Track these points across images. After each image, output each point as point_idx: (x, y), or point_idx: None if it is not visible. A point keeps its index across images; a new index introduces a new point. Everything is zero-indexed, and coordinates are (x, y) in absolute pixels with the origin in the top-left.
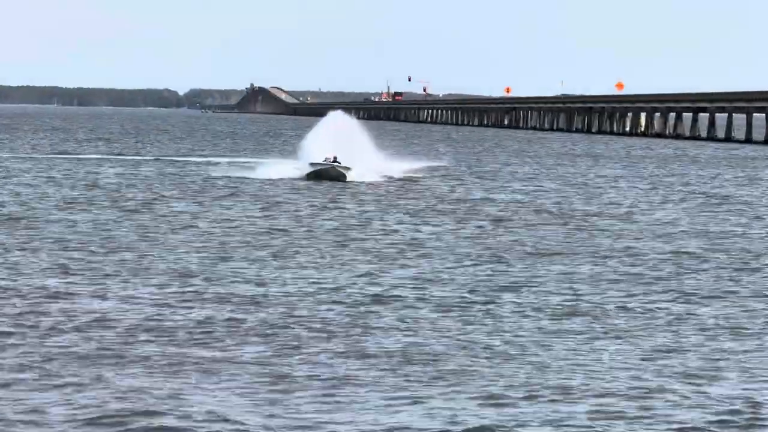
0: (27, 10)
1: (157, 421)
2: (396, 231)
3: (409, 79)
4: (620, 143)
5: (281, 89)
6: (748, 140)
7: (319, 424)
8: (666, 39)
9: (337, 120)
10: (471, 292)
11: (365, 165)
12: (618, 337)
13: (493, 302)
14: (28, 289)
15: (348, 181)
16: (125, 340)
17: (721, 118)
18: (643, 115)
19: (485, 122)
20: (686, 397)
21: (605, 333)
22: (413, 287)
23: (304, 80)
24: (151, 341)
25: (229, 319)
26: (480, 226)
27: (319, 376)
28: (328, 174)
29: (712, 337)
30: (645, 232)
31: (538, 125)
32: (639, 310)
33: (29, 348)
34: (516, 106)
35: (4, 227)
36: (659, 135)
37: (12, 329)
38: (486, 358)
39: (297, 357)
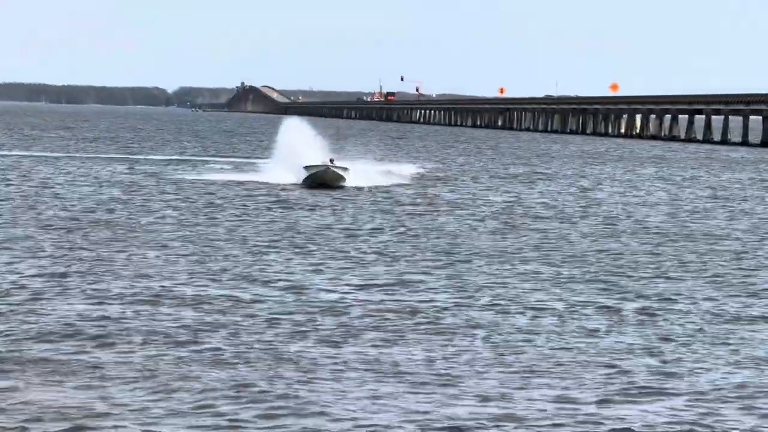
0: (15, 7)
1: None
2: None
3: (402, 79)
4: (611, 144)
5: (272, 88)
6: (744, 143)
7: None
8: (662, 40)
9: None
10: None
11: (363, 168)
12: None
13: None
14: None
15: (346, 185)
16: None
17: (717, 120)
18: (638, 117)
19: (478, 123)
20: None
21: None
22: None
23: (295, 79)
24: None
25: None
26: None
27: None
28: (324, 177)
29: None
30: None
31: (531, 126)
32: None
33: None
34: (510, 106)
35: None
36: (654, 137)
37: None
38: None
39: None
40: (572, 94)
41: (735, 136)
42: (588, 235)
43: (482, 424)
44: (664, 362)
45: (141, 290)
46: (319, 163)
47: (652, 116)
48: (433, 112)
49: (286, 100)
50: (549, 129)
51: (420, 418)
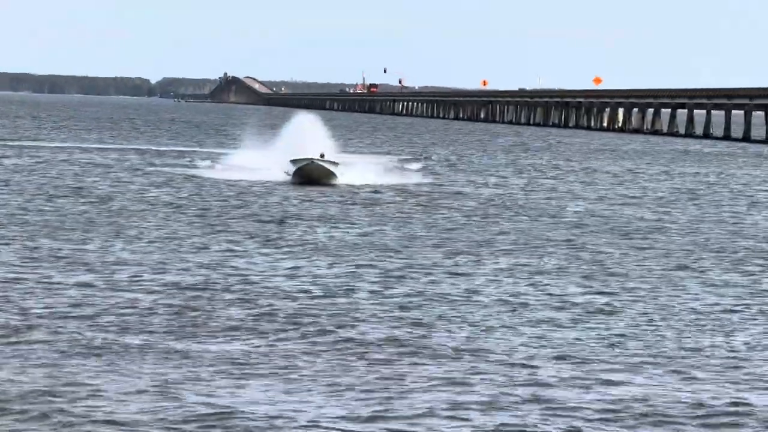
0: None
1: None
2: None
3: (385, 71)
4: (593, 138)
5: (255, 79)
6: (727, 137)
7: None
8: (646, 34)
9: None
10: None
11: (358, 164)
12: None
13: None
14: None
15: (336, 182)
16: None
17: (699, 114)
18: (620, 111)
19: (461, 115)
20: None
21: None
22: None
23: (278, 71)
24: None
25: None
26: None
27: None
28: (310, 172)
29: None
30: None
31: (514, 119)
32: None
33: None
34: (492, 99)
35: None
36: (637, 131)
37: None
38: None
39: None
40: (555, 87)
41: (717, 130)
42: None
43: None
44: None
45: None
46: (304, 156)
47: (635, 110)
48: (415, 104)
49: (269, 92)
50: (531, 122)
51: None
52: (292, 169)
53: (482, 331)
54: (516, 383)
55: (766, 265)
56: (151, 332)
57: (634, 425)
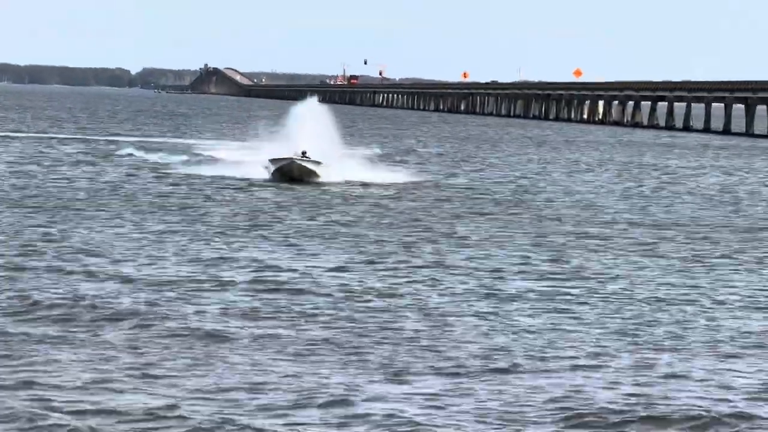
0: None
1: None
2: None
3: (366, 63)
4: (570, 130)
5: (236, 70)
6: (707, 129)
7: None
8: (626, 27)
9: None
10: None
11: (344, 161)
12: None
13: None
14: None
15: (320, 180)
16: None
17: (679, 107)
18: (600, 103)
19: (441, 107)
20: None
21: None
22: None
23: (258, 62)
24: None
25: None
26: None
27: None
28: (291, 171)
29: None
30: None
31: (494, 111)
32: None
33: None
34: (473, 91)
35: None
36: (617, 123)
37: None
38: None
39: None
40: (536, 79)
41: (697, 123)
42: None
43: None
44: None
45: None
46: (285, 156)
47: (615, 102)
48: (396, 95)
49: (250, 83)
50: (512, 114)
51: None
52: (272, 167)
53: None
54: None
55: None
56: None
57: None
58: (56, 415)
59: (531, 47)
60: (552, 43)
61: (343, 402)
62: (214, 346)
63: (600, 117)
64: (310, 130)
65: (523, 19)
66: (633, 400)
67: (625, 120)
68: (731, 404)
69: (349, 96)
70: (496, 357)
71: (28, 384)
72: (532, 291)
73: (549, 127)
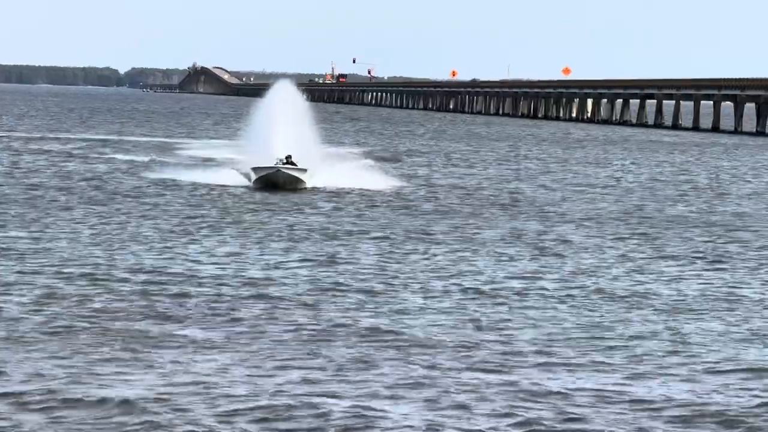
0: None
1: None
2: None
3: (354, 61)
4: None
5: (224, 69)
6: (696, 128)
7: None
8: (614, 24)
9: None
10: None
11: (329, 166)
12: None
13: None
14: None
15: (305, 188)
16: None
17: (668, 105)
18: (589, 101)
19: (430, 106)
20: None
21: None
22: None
23: (247, 61)
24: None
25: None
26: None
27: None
28: (276, 180)
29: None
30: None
31: (483, 110)
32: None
33: None
34: (461, 90)
35: None
36: (606, 121)
37: None
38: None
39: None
40: (524, 77)
41: (686, 121)
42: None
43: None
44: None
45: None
46: (269, 164)
47: (604, 100)
48: (384, 94)
49: (238, 82)
50: (500, 112)
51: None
52: (254, 177)
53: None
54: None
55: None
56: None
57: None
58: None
59: (520, 45)
60: (541, 41)
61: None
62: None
63: (589, 115)
64: (283, 120)
65: (511, 17)
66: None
67: (614, 118)
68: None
69: (337, 95)
70: (470, 352)
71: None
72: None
73: (587, 127)
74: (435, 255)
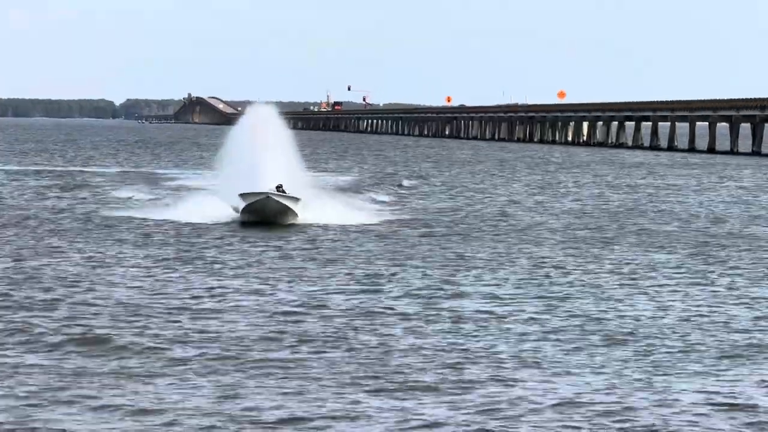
0: None
1: None
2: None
3: (349, 89)
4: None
5: (219, 99)
6: (692, 149)
7: None
8: (608, 47)
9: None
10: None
11: (323, 197)
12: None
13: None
14: None
15: (296, 221)
16: None
17: (663, 126)
18: (585, 124)
19: (426, 132)
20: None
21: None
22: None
23: (242, 90)
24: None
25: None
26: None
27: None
28: (265, 209)
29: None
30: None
31: (479, 135)
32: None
33: None
34: (457, 115)
35: None
36: (602, 144)
37: None
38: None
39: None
40: (520, 102)
41: (682, 142)
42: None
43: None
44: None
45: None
46: (257, 190)
47: (599, 123)
48: (380, 121)
49: (233, 111)
50: (497, 137)
51: None
52: (241, 204)
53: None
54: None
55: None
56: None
57: None
58: None
59: (514, 70)
60: (535, 65)
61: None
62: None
63: (585, 138)
64: (265, 144)
65: (505, 42)
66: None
67: (610, 141)
68: None
69: (333, 122)
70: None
71: None
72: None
73: (589, 150)
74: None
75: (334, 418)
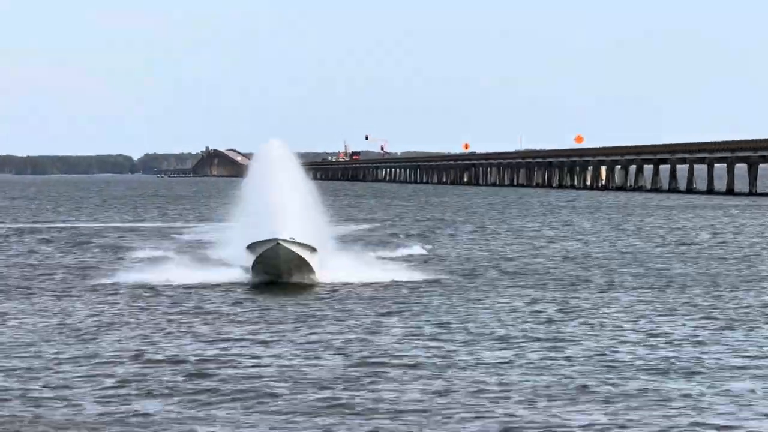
0: None
1: None
2: None
3: (367, 138)
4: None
5: (237, 151)
6: (710, 191)
7: None
8: (624, 91)
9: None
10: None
11: (343, 255)
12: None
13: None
14: None
15: (313, 279)
16: None
17: (682, 169)
18: (603, 168)
19: (444, 180)
20: None
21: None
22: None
23: (259, 141)
24: None
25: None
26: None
27: None
28: (277, 260)
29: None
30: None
31: (497, 181)
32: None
33: None
34: (475, 162)
35: None
36: (620, 188)
37: None
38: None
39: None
40: (537, 147)
41: (700, 184)
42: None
43: None
44: None
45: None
46: (265, 238)
47: (618, 167)
48: (398, 170)
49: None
50: (515, 183)
51: None
52: (251, 259)
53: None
54: None
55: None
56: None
57: None
58: None
59: (531, 115)
60: (552, 110)
61: None
62: None
63: (603, 182)
64: (281, 190)
65: (522, 88)
66: None
67: (628, 184)
68: None
69: (351, 172)
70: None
71: None
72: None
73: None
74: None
75: None
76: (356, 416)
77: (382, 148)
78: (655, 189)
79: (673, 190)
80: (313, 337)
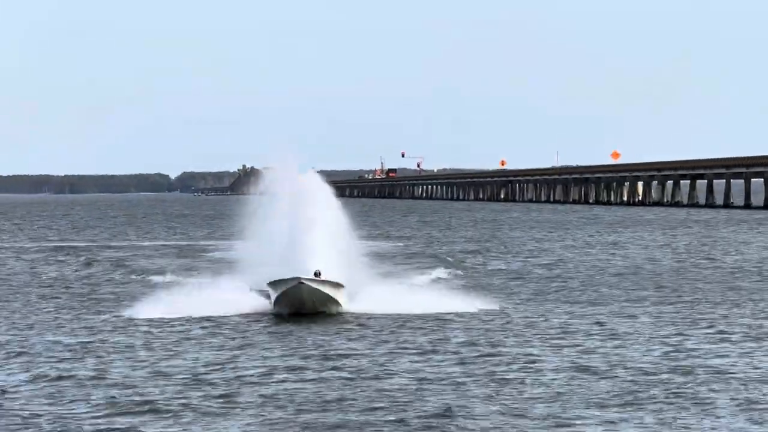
0: (16, 101)
1: None
2: None
3: (403, 155)
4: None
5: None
6: (747, 205)
7: None
8: (661, 107)
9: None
10: None
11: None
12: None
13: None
14: None
15: (339, 309)
16: None
17: (719, 184)
18: (639, 184)
19: (481, 196)
20: None
21: None
22: None
23: (298, 160)
24: None
25: None
26: None
27: None
28: (301, 298)
29: None
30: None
31: (534, 198)
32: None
33: None
34: (512, 179)
35: None
36: (657, 203)
37: None
38: None
39: None
40: (574, 163)
41: (738, 199)
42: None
43: None
44: None
45: None
46: (289, 276)
47: (654, 182)
48: (435, 187)
49: None
50: (552, 200)
51: None
52: (273, 295)
53: None
54: None
55: None
56: None
57: None
58: None
59: (568, 131)
60: (589, 126)
61: None
62: None
63: (640, 198)
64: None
65: (557, 104)
66: None
67: (665, 200)
68: None
69: (388, 189)
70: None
71: None
72: None
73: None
74: None
75: None
76: None
77: (418, 165)
78: (692, 204)
79: (710, 205)
80: (328, 364)
